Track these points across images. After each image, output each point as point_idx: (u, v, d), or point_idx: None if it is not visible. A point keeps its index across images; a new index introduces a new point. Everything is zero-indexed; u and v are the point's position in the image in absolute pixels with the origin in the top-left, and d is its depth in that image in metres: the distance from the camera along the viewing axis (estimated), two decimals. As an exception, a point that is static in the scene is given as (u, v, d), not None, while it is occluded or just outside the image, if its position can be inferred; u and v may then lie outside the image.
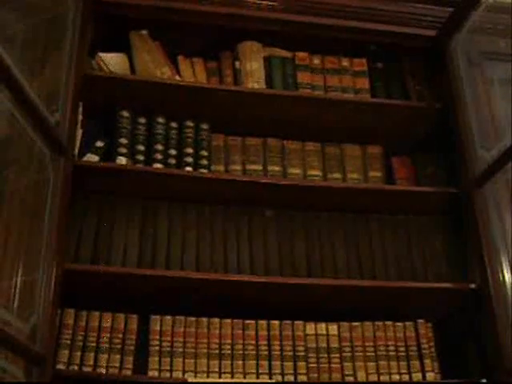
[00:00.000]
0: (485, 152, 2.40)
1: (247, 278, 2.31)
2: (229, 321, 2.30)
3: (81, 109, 2.40)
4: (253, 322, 2.31)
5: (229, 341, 2.27)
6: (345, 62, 2.71)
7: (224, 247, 2.39)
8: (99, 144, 2.46)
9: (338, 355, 2.30)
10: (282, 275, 2.37)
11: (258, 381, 2.20)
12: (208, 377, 2.19)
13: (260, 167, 2.54)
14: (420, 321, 2.38)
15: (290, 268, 2.39)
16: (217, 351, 2.24)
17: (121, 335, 2.22)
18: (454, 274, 2.46)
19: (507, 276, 2.27)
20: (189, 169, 2.45)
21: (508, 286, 2.25)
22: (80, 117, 2.40)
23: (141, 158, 2.44)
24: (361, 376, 2.27)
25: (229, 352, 2.25)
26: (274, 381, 2.19)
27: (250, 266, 2.37)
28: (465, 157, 2.46)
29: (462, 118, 2.51)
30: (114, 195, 2.40)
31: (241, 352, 2.26)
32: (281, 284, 2.31)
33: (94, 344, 2.19)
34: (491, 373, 2.25)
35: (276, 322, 2.31)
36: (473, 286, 2.36)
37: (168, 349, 2.22)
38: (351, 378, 2.26)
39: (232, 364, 2.23)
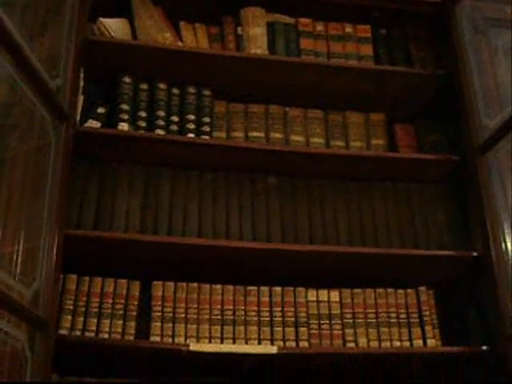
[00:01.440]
0: (488, 120, 2.39)
1: (249, 244, 2.31)
2: (231, 287, 2.30)
3: (82, 74, 2.38)
4: (255, 288, 2.31)
5: (231, 307, 2.27)
6: (348, 29, 2.68)
7: (226, 214, 2.39)
8: (101, 110, 2.44)
9: (339, 322, 2.30)
10: (284, 242, 2.36)
11: (260, 347, 2.21)
12: (210, 342, 2.20)
13: (262, 134, 2.53)
14: (421, 288, 2.38)
15: (292, 235, 2.39)
16: (219, 317, 2.25)
17: (123, 301, 2.23)
18: (455, 242, 2.46)
19: (509, 244, 2.27)
20: (191, 135, 2.43)
21: (510, 253, 2.25)
22: (81, 82, 2.38)
23: (143, 124, 2.43)
24: (362, 342, 2.28)
25: (231, 318, 2.25)
26: (275, 346, 2.20)
27: (252, 233, 2.37)
28: (468, 124, 2.44)
29: (465, 85, 2.49)
30: (116, 161, 2.40)
31: (243, 318, 2.26)
32: (283, 251, 2.30)
33: (96, 309, 2.20)
34: (492, 340, 2.26)
35: (278, 289, 2.32)
36: (475, 253, 2.36)
37: (170, 315, 2.23)
38: (352, 345, 2.27)
39: (234, 330, 2.24)
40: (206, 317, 2.25)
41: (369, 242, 2.42)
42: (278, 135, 2.53)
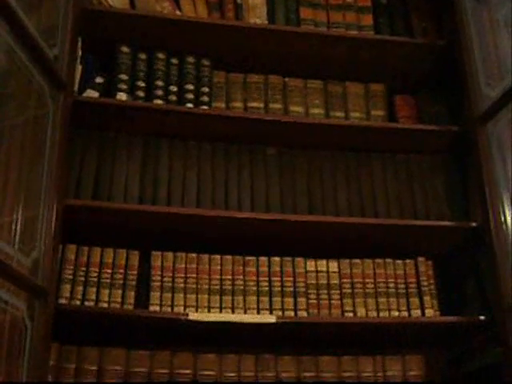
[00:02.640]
0: (489, 90, 2.38)
1: (248, 214, 2.31)
2: (229, 257, 2.31)
3: (80, 44, 2.36)
4: (253, 258, 2.32)
5: (229, 277, 2.29)
6: (348, -2, 2.66)
7: (225, 185, 2.39)
8: (99, 80, 2.43)
9: (338, 292, 2.31)
10: (283, 212, 2.37)
11: (259, 316, 2.22)
12: (209, 312, 2.21)
13: (261, 105, 2.52)
14: (420, 258, 2.39)
15: (291, 205, 2.39)
16: (218, 287, 2.26)
17: (122, 271, 2.24)
18: (455, 213, 2.46)
19: (508, 214, 2.26)
20: (190, 105, 2.42)
21: (509, 224, 2.24)
22: (79, 52, 2.36)
23: (141, 94, 2.42)
24: (360, 312, 2.29)
25: (229, 288, 2.26)
26: (274, 316, 2.20)
27: (251, 204, 2.37)
28: (469, 94, 2.42)
29: (466, 54, 2.47)
30: (115, 132, 2.39)
31: (241, 288, 2.27)
32: (281, 221, 2.30)
33: (95, 279, 2.21)
34: (490, 310, 2.27)
35: (277, 259, 2.32)
36: (474, 224, 2.37)
37: (169, 284, 2.24)
38: (351, 315, 2.29)
39: (233, 300, 2.25)
40: (205, 287, 2.26)
41: (368, 213, 2.42)
42: (277, 106, 2.52)
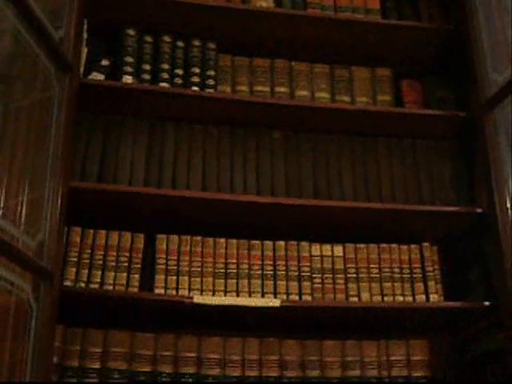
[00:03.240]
0: (496, 75, 2.37)
1: (253, 198, 2.31)
2: (234, 241, 2.31)
3: (85, 26, 2.36)
4: (258, 242, 2.32)
5: (234, 260, 2.29)
6: (356, -19, 2.64)
7: (230, 168, 2.39)
8: (105, 63, 2.42)
9: (342, 276, 2.32)
10: (288, 196, 2.36)
11: (263, 300, 2.22)
12: (213, 295, 2.21)
13: (267, 88, 2.51)
14: (425, 244, 2.39)
15: (297, 189, 2.39)
16: (222, 270, 2.26)
17: (127, 253, 2.24)
18: (460, 198, 2.45)
19: (514, 200, 2.26)
20: (195, 89, 2.42)
21: (515, 210, 2.24)
22: (85, 35, 2.36)
23: (147, 77, 2.41)
24: (365, 297, 2.29)
25: (234, 271, 2.27)
26: (278, 300, 2.21)
27: (257, 187, 2.37)
28: (476, 79, 2.42)
29: (474, 39, 2.46)
30: (120, 115, 2.39)
31: (246, 271, 2.28)
32: (287, 205, 2.30)
33: (100, 262, 2.21)
34: (494, 296, 2.27)
35: (281, 243, 2.33)
36: (479, 209, 2.36)
37: (174, 267, 2.24)
38: (355, 299, 2.29)
39: (237, 283, 2.26)
40: (210, 270, 2.26)
41: (373, 198, 2.42)
42: (283, 89, 2.51)
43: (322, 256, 2.33)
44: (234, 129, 2.46)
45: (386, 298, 2.30)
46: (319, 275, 2.30)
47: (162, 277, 2.23)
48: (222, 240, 2.31)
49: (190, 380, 2.18)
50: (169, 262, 2.25)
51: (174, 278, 2.23)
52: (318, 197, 2.38)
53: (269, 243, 2.32)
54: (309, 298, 2.27)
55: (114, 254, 2.23)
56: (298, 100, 2.50)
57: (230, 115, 2.42)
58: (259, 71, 2.52)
